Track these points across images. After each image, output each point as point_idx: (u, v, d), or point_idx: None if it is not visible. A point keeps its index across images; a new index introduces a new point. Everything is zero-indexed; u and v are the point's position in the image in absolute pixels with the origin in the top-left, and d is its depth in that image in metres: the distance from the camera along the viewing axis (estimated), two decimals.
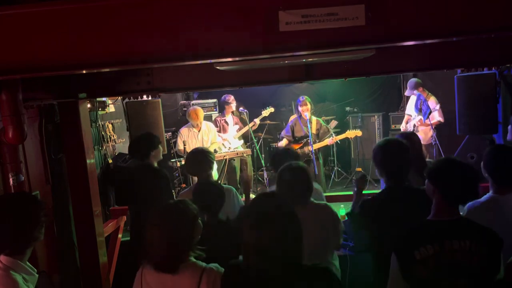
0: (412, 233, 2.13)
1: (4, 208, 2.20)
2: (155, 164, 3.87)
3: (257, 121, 6.94)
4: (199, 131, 5.94)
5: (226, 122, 6.72)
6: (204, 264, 2.06)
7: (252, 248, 1.71)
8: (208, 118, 6.97)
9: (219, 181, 5.81)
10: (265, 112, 6.91)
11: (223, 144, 6.33)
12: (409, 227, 2.15)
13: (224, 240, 2.66)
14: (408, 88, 6.61)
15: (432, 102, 6.32)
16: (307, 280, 1.71)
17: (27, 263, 2.20)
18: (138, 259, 3.77)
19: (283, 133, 6.38)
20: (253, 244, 1.70)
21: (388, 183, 2.65)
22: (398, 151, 2.61)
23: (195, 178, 3.94)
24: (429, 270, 2.02)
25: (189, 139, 5.90)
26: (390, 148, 2.64)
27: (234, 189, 3.55)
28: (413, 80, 6.55)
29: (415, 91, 6.48)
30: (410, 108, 6.73)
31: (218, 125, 6.65)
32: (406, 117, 6.84)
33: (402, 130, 6.84)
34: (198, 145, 5.85)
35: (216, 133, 6.17)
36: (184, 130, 5.97)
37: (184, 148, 5.63)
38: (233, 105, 6.68)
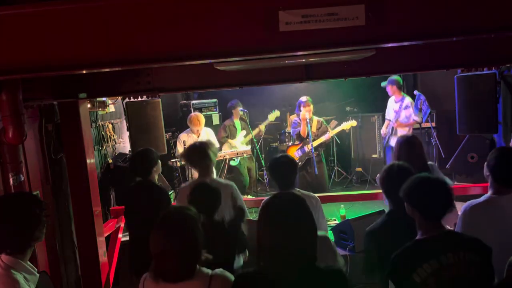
0: (406, 256, 2.07)
1: (5, 208, 2.20)
2: (156, 178, 3.87)
3: (262, 127, 6.93)
4: (198, 137, 5.88)
5: (234, 126, 6.70)
6: (209, 270, 2.01)
7: (267, 248, 1.71)
8: (208, 118, 6.95)
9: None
10: (271, 116, 6.85)
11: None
12: (400, 251, 2.09)
13: (219, 242, 2.64)
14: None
15: (408, 101, 6.23)
16: (321, 281, 1.71)
17: (28, 262, 2.20)
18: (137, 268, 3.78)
19: (292, 132, 6.34)
20: (267, 244, 1.70)
21: (391, 207, 2.66)
22: (402, 179, 2.60)
23: (195, 175, 3.91)
24: None
25: (188, 144, 5.84)
26: (394, 175, 2.60)
27: (234, 184, 3.53)
28: (393, 77, 6.30)
29: (390, 87, 6.33)
30: (389, 112, 6.59)
31: (227, 130, 6.63)
32: (386, 122, 6.70)
33: (382, 134, 6.78)
34: None
35: (216, 140, 6.12)
36: (183, 136, 5.91)
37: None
38: (240, 110, 6.65)
